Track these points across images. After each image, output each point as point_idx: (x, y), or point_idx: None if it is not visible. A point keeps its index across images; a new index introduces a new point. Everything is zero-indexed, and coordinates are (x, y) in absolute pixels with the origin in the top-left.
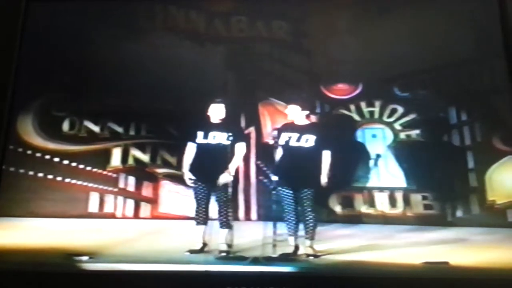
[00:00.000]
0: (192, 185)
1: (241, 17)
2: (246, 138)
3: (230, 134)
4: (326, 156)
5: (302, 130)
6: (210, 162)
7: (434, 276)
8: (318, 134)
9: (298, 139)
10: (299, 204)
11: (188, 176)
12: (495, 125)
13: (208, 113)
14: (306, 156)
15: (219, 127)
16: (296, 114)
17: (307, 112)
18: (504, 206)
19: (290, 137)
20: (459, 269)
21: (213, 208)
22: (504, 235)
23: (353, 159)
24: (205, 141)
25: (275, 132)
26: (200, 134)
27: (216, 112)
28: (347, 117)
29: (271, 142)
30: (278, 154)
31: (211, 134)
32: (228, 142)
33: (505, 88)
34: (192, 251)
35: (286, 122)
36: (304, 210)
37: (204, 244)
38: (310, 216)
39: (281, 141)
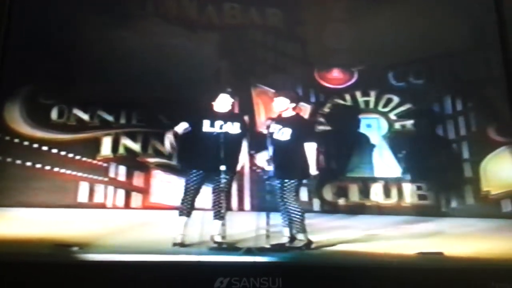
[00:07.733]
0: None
1: (234, 4)
2: (249, 130)
3: (236, 124)
4: (311, 148)
5: (287, 122)
6: (213, 151)
7: (429, 266)
8: (304, 125)
9: (282, 131)
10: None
11: (183, 164)
12: (490, 116)
13: (214, 103)
14: (289, 148)
15: (224, 117)
16: (285, 105)
17: (295, 103)
18: (498, 197)
19: (275, 129)
20: (454, 259)
21: (206, 198)
22: (498, 225)
23: (347, 149)
24: (211, 130)
25: (268, 122)
26: (206, 123)
27: (223, 102)
28: (342, 107)
29: (265, 132)
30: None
31: (217, 123)
32: (234, 132)
33: (500, 78)
34: (174, 244)
35: (275, 113)
36: (287, 201)
37: (184, 236)
38: (294, 207)
39: (269, 133)
